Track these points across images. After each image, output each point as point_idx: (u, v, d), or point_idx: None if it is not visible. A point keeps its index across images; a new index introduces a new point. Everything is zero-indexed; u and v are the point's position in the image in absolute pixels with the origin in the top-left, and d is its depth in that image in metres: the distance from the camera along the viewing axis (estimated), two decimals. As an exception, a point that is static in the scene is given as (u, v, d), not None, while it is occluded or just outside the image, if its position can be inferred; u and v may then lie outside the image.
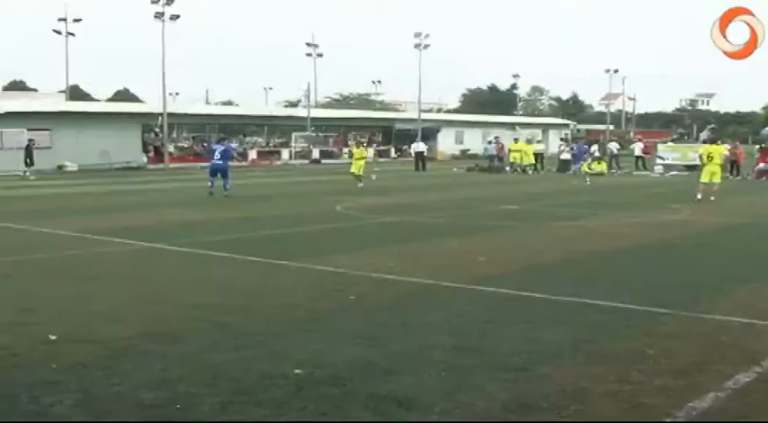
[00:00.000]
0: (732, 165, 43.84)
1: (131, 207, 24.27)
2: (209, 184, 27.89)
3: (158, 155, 58.66)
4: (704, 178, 25.67)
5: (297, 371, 6.89)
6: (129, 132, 56.40)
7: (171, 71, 62.21)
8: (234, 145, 53.24)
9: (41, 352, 7.50)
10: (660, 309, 9.53)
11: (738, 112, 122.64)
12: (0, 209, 23.87)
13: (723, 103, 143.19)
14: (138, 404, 6.10)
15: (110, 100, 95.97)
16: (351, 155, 39.82)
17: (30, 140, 45.56)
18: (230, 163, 28.75)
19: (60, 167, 50.58)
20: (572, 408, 6.09)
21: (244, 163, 48.54)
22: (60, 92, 77.46)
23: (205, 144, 60.30)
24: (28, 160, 44.27)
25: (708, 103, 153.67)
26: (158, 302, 9.87)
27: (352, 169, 35.65)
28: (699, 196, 25.29)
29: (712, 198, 25.26)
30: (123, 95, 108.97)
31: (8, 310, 9.36)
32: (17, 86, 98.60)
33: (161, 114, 56.42)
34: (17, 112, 50.10)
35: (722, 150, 26.12)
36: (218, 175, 27.72)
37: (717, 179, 25.81)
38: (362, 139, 57.11)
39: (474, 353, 7.50)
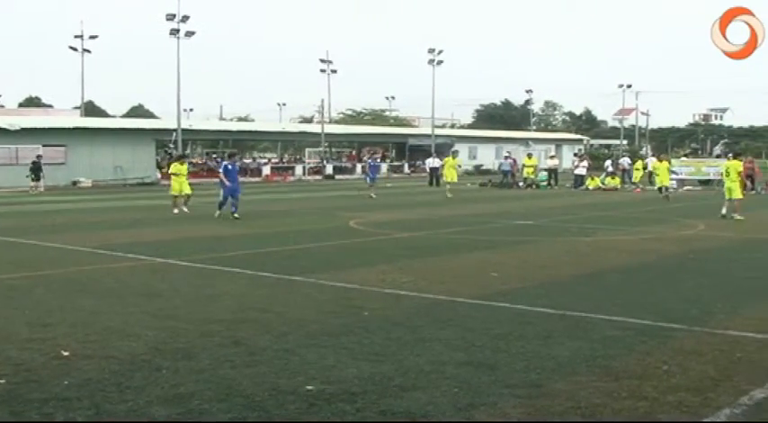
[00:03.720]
0: (746, 179, 43.69)
1: (145, 223, 24.32)
2: (223, 207, 25.13)
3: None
4: (726, 194, 25.38)
5: (309, 387, 6.87)
6: (143, 148, 56.59)
7: (185, 87, 62.33)
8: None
9: (54, 368, 7.50)
10: (674, 324, 9.49)
11: (752, 127, 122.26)
12: (14, 224, 23.96)
13: (736, 118, 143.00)
14: (151, 420, 6.09)
15: (124, 116, 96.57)
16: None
17: (38, 156, 45.82)
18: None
19: (75, 183, 50.77)
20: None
21: (257, 179, 48.54)
22: (75, 108, 78.08)
23: (219, 160, 60.23)
24: (33, 176, 44.52)
25: (721, 118, 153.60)
26: (171, 318, 9.87)
27: None
28: (723, 211, 24.96)
29: (734, 214, 24.64)
30: (138, 111, 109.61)
31: (22, 326, 9.38)
32: (33, 103, 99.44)
33: (175, 130, 56.59)
34: (32, 129, 50.36)
35: (737, 166, 25.70)
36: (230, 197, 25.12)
37: (735, 195, 25.14)
38: (376, 155, 57.06)
39: (487, 369, 7.47)
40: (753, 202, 34.75)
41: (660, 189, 36.64)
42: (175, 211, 26.83)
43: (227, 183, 24.94)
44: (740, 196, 25.26)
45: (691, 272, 14.34)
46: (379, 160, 45.34)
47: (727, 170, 25.68)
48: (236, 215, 24.47)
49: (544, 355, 7.98)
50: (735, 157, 27.71)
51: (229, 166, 25.82)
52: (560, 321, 9.73)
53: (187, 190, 27.90)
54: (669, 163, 50.93)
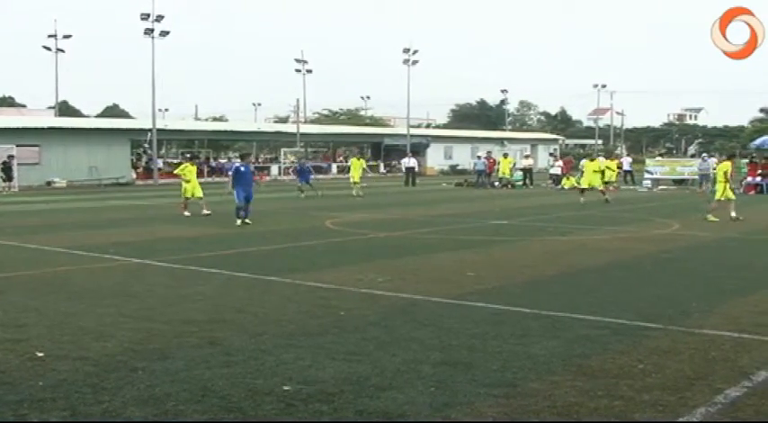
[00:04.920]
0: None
1: (120, 223, 24.18)
2: (242, 213, 22.85)
3: (147, 170, 58.56)
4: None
5: (286, 387, 6.86)
6: (118, 148, 56.32)
7: (160, 87, 62.18)
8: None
9: (28, 369, 7.44)
10: (650, 323, 9.54)
11: (726, 127, 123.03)
12: (-12, 225, 23.75)
13: (711, 118, 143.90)
14: (126, 421, 6.06)
15: (99, 116, 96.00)
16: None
17: (9, 157, 45.52)
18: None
19: (49, 183, 50.45)
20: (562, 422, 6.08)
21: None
22: (49, 108, 77.47)
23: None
24: (5, 176, 44.23)
25: (695, 118, 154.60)
26: (147, 319, 9.82)
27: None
28: (732, 214, 24.47)
29: (732, 214, 24.36)
30: (113, 111, 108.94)
31: (-5, 327, 9.30)
32: (6, 102, 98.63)
33: (150, 130, 56.37)
34: (6, 129, 49.97)
35: (724, 167, 25.36)
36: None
37: (726, 196, 24.91)
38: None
39: (464, 368, 7.48)
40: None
41: (583, 191, 33.89)
42: (186, 213, 25.86)
43: (233, 188, 22.94)
44: (719, 198, 25.03)
45: (666, 271, 14.42)
46: (308, 164, 45.55)
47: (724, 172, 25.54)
48: (247, 221, 22.63)
49: (520, 355, 8.00)
50: (727, 159, 27.73)
51: (242, 168, 23.64)
52: (536, 321, 9.76)
53: (199, 193, 26.61)
54: (620, 163, 51.29)
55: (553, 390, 6.84)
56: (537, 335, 8.92)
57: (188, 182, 26.48)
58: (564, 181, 47.51)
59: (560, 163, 51.43)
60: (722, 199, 24.95)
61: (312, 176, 41.85)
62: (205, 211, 25.58)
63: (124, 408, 6.34)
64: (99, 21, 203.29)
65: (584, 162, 37.22)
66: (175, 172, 28.40)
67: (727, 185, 25.10)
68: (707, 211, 24.68)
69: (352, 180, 40.47)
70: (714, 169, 43.94)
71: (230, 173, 23.77)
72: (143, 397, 6.60)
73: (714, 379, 7.18)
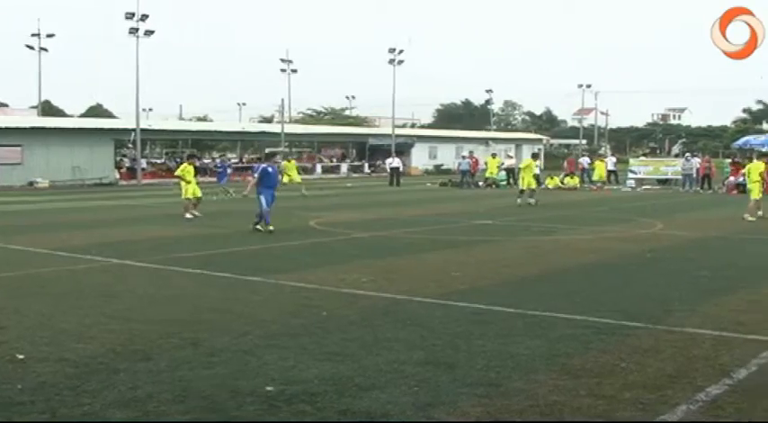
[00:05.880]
0: (704, 179, 44.17)
1: (103, 224, 24.04)
2: (265, 219, 20.85)
3: (131, 171, 58.33)
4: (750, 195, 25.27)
5: (269, 388, 6.84)
6: (102, 148, 56.03)
7: (144, 87, 61.81)
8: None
9: (8, 371, 7.39)
10: (632, 322, 9.56)
11: (710, 126, 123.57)
12: (-30, 226, 23.60)
13: (694, 118, 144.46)
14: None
15: (82, 116, 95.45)
16: None
17: None
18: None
19: (31, 184, 50.16)
20: (545, 422, 6.08)
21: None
22: (32, 107, 77.00)
23: (177, 160, 59.43)
24: None
25: (679, 118, 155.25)
26: (128, 320, 9.77)
27: None
28: (759, 213, 24.49)
29: (746, 215, 24.34)
30: (96, 111, 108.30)
31: (-24, 329, 9.24)
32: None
33: (134, 130, 56.13)
34: (-13, 128, 49.67)
35: (759, 167, 25.25)
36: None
37: (752, 195, 25.03)
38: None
39: (447, 368, 7.48)
40: (710, 201, 35.24)
41: (522, 191, 32.80)
42: (188, 215, 25.22)
43: (260, 190, 20.86)
44: (757, 196, 24.97)
45: (649, 270, 14.46)
46: (226, 165, 45.45)
47: (748, 171, 25.48)
48: (270, 228, 20.59)
49: (503, 354, 8.01)
50: (759, 158, 27.60)
51: (269, 169, 21.64)
52: (520, 320, 9.77)
53: (198, 193, 26.04)
54: (595, 161, 51.08)
55: (536, 389, 6.84)
56: (520, 334, 8.92)
57: (188, 183, 26.11)
58: (548, 180, 47.61)
59: (538, 162, 51.38)
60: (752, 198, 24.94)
61: (226, 178, 41.37)
62: (196, 213, 25.44)
63: (105, 410, 6.31)
64: (83, 20, 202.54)
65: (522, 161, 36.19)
66: (176, 173, 27.85)
67: (757, 185, 25.13)
68: (755, 211, 24.53)
69: (289, 181, 39.70)
70: (698, 168, 44.36)
71: (256, 174, 21.79)
72: (124, 399, 6.57)
73: (695, 377, 7.21)
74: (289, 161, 42.54)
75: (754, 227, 22.49)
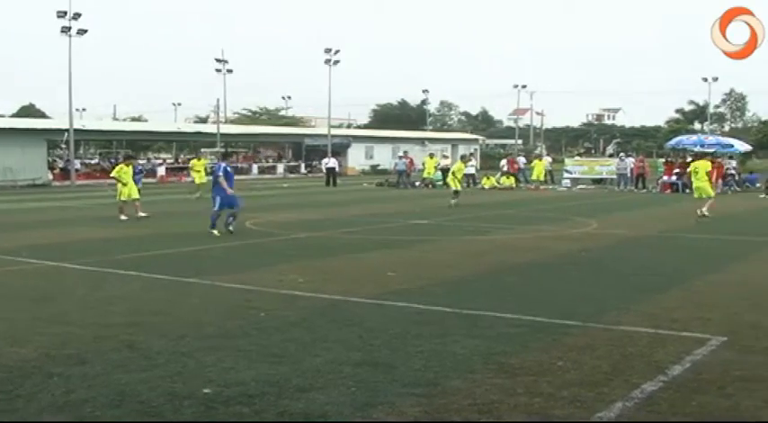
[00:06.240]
0: (638, 178, 44.82)
1: (36, 225, 23.67)
2: (227, 220, 20.60)
3: (64, 171, 57.47)
4: (695, 194, 25.34)
5: (206, 390, 6.78)
6: (34, 149, 55.09)
7: (78, 87, 60.56)
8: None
9: (-62, 376, 7.24)
10: (569, 320, 9.66)
11: (643, 127, 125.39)
12: None
13: (628, 118, 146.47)
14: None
15: (14, 115, 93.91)
16: None
17: None
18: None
19: (-39, 185, 49.23)
20: (483, 421, 6.11)
21: (152, 180, 47.65)
22: (-38, 107, 75.52)
23: (112, 160, 58.56)
24: None
25: (614, 118, 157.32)
26: (63, 323, 9.62)
27: None
28: (702, 211, 24.37)
29: (702, 210, 24.28)
30: (28, 111, 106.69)
31: None
32: None
33: (67, 130, 55.28)
34: None
35: (706, 166, 25.44)
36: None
37: (708, 193, 24.96)
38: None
39: (385, 368, 7.49)
40: (644, 200, 35.75)
41: (457, 192, 32.00)
42: (123, 217, 24.73)
43: (218, 191, 20.62)
44: (711, 194, 25.10)
45: (584, 269, 14.64)
46: (140, 168, 45.01)
47: (695, 170, 25.86)
48: (231, 229, 20.39)
49: (441, 354, 8.04)
50: (702, 157, 27.74)
51: (229, 169, 21.40)
52: (457, 319, 9.82)
53: (135, 194, 25.63)
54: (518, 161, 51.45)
55: (474, 388, 6.88)
56: (458, 334, 8.96)
57: (125, 185, 25.65)
58: (483, 180, 47.97)
59: (473, 162, 51.88)
60: (696, 197, 25.07)
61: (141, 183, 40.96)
62: (141, 214, 25.14)
63: (39, 414, 6.20)
64: (14, 18, 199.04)
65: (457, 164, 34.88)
66: (111, 175, 27.30)
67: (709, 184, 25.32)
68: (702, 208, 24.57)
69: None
70: (632, 168, 44.96)
71: (219, 174, 20.94)
72: (59, 403, 6.47)
73: (631, 374, 7.31)
74: (198, 159, 42.33)
75: (689, 225, 22.85)
